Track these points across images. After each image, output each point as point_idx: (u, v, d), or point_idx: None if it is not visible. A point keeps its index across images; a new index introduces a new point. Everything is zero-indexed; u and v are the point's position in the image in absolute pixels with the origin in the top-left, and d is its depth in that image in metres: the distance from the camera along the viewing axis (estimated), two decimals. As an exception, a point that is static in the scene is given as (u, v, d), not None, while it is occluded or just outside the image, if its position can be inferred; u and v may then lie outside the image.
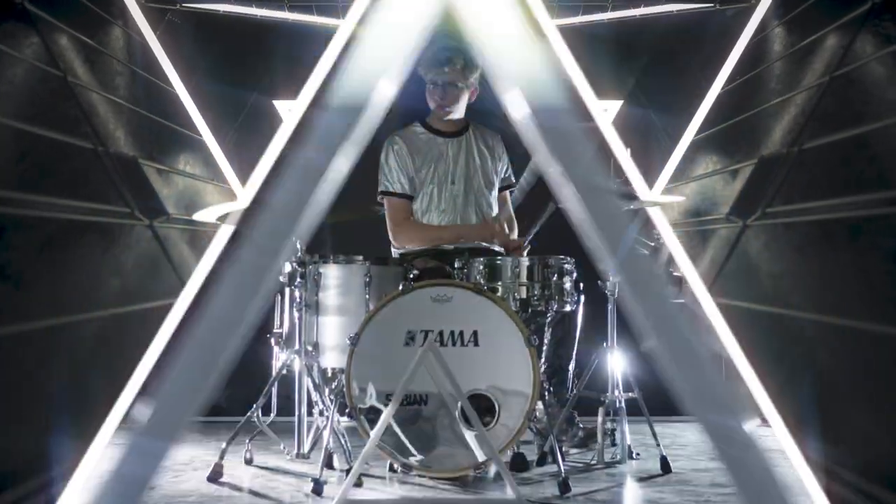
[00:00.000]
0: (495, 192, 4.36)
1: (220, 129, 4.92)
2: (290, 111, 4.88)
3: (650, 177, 4.86)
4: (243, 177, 4.89)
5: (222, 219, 3.64)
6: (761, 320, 3.90)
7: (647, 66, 5.07)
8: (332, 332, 3.71)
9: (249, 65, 5.01)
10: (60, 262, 3.11)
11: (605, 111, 4.94)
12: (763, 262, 3.91)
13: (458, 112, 4.28)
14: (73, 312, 3.20)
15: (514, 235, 4.36)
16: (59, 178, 3.20)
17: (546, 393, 3.92)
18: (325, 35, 4.83)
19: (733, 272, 4.21)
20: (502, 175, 4.39)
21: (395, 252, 4.28)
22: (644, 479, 3.62)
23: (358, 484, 3.35)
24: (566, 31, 4.87)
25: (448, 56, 4.10)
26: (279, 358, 3.86)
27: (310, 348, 3.70)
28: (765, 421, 4.21)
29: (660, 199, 4.28)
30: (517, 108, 1.22)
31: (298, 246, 3.63)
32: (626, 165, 4.67)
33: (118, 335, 3.62)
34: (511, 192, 4.43)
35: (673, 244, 4.51)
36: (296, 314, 3.72)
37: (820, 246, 3.35)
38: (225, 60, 4.99)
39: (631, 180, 4.69)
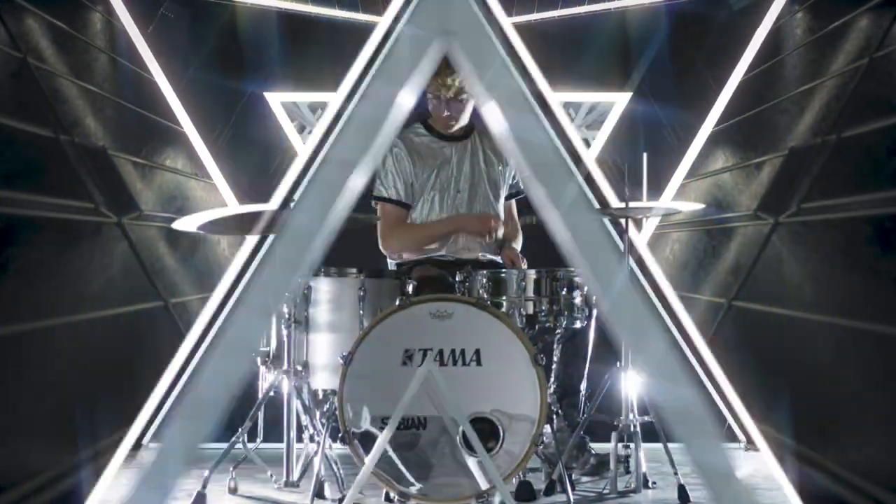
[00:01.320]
0: (502, 201, 4.28)
1: (213, 124, 4.93)
2: (301, 107, 5.02)
3: (660, 173, 4.85)
4: (237, 174, 4.90)
5: (207, 227, 3.55)
6: (800, 328, 3.81)
7: (654, 59, 5.11)
8: (324, 351, 3.67)
9: (244, 57, 5.05)
10: (3, 263, 3.03)
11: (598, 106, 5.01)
12: (799, 262, 3.82)
13: (464, 118, 4.19)
14: (19, 322, 3.11)
15: (518, 246, 4.30)
16: (6, 168, 3.11)
17: (554, 416, 3.87)
18: (322, 25, 4.90)
19: (763, 274, 4.14)
20: (510, 182, 4.31)
21: (391, 264, 4.21)
22: (661, 509, 3.58)
23: (351, 515, 3.29)
24: (570, 22, 4.93)
25: (450, 63, 3.99)
26: (266, 379, 3.79)
27: (299, 368, 3.64)
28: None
29: (674, 205, 4.20)
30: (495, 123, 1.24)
31: None
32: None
33: (73, 347, 3.53)
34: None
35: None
36: (284, 331, 3.66)
37: (870, 245, 3.27)
38: (219, 53, 5.01)
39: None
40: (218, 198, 4.92)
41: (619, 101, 5.17)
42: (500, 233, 4.13)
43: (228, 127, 5.03)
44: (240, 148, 4.97)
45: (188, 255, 4.65)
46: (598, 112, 5.26)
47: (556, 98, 4.92)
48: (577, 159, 4.88)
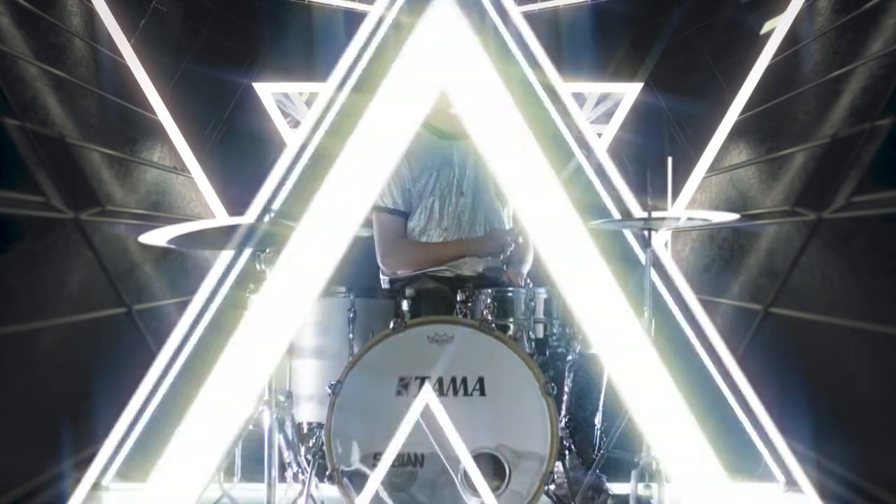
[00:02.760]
0: (510, 208, 4.20)
1: (205, 118, 5.03)
2: (303, 98, 5.23)
3: (677, 169, 4.84)
4: (227, 170, 4.95)
5: (178, 241, 3.42)
6: (857, 341, 3.69)
7: (663, 51, 5.26)
8: (309, 380, 3.61)
9: (235, 49, 5.18)
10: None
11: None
12: (849, 262, 3.73)
13: None
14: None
15: (528, 264, 4.22)
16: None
17: (567, 452, 3.78)
18: (312, 12, 5.09)
19: (805, 276, 4.05)
20: None
21: (384, 282, 4.12)
22: (686, 557, 3.49)
23: (339, 564, 3.25)
24: (580, 10, 5.15)
25: None
26: (244, 410, 3.71)
27: (281, 399, 3.55)
28: (792, 483, 4.11)
29: (705, 216, 4.08)
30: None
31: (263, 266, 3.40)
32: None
33: (11, 364, 3.40)
34: None
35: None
36: None
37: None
38: (210, 45, 5.12)
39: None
40: (199, 195, 4.90)
41: (629, 93, 5.26)
42: (518, 240, 4.04)
43: (221, 122, 5.13)
44: (232, 143, 5.08)
45: (161, 254, 4.56)
46: (604, 106, 5.35)
47: (566, 88, 5.03)
48: (588, 151, 4.94)
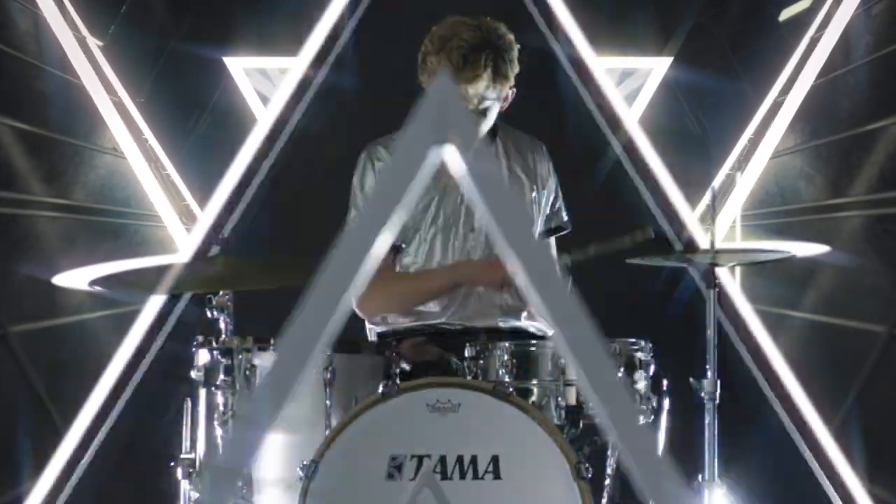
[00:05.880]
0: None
1: (184, 103, 5.19)
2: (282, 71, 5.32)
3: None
4: (204, 161, 5.04)
5: (103, 282, 3.06)
6: None
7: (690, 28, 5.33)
8: (274, 459, 3.34)
9: (218, 33, 5.33)
10: None
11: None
12: None
13: (486, 128, 3.76)
14: None
15: None
16: None
17: None
18: None
19: None
20: (547, 211, 3.90)
21: (371, 333, 3.82)
22: None
23: None
24: None
25: (469, 57, 3.53)
26: (191, 498, 3.47)
27: (239, 484, 3.26)
28: None
29: (783, 247, 3.75)
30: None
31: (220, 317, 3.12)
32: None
33: None
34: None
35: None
36: (217, 431, 3.39)
37: None
38: (194, 31, 5.28)
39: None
40: (138, 182, 4.83)
41: (656, 69, 5.25)
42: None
43: (206, 113, 5.19)
44: (212, 133, 5.21)
45: (71, 246, 4.27)
46: (626, 87, 5.32)
47: (596, 63, 5.14)
48: (616, 126, 4.99)
